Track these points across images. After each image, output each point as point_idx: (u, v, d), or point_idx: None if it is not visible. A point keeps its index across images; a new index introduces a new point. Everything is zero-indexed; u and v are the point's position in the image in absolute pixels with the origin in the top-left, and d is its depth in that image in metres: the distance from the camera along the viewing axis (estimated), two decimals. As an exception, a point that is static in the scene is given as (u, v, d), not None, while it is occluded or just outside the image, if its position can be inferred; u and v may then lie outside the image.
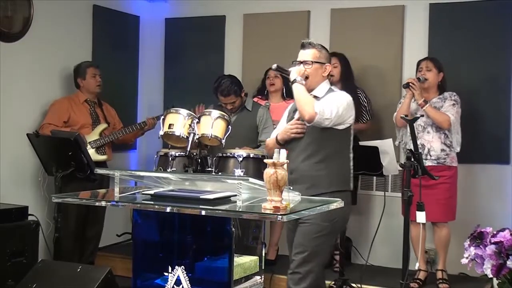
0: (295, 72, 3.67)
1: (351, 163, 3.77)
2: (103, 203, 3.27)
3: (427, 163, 4.69)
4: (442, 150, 4.75)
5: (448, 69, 4.92)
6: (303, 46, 3.77)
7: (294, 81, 3.64)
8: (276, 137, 3.81)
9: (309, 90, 3.68)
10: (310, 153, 3.64)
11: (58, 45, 5.40)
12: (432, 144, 4.76)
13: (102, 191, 3.84)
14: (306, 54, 3.73)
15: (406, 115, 4.19)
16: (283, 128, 3.81)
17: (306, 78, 3.68)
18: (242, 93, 5.04)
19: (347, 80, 5.22)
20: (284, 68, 3.77)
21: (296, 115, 3.76)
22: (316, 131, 3.64)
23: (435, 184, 4.46)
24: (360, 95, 5.24)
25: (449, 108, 4.75)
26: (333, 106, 3.59)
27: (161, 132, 5.11)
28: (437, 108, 4.77)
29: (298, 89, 3.63)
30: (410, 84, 4.75)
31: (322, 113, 3.53)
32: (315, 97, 3.68)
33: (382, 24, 5.51)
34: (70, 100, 5.19)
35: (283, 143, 3.73)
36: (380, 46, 5.51)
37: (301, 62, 3.72)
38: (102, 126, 5.22)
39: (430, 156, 4.74)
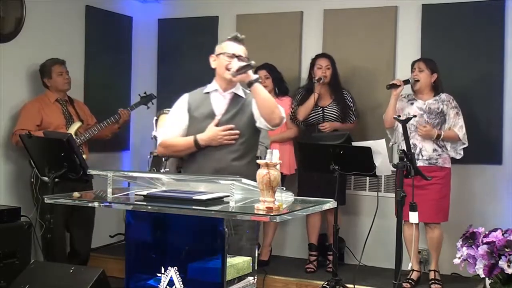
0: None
1: None
2: (96, 204, 3.26)
3: (419, 163, 4.70)
4: (434, 150, 4.77)
5: (441, 70, 4.93)
6: (239, 40, 3.56)
7: (257, 80, 3.42)
8: (197, 141, 3.53)
9: (233, 87, 3.57)
10: (242, 154, 3.50)
11: (50, 46, 5.37)
12: (424, 144, 4.78)
13: (95, 191, 3.83)
14: (241, 50, 3.56)
15: (399, 116, 4.20)
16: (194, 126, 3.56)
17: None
18: None
19: (335, 81, 5.27)
20: (241, 66, 3.43)
21: (218, 118, 3.54)
22: (250, 131, 3.54)
23: (426, 184, 4.47)
24: (346, 95, 5.28)
25: (457, 121, 4.79)
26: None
27: (154, 133, 5.11)
28: (432, 109, 4.80)
29: (264, 90, 3.46)
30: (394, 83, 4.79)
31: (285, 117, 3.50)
32: (240, 96, 3.58)
33: (375, 25, 5.52)
34: (40, 102, 5.02)
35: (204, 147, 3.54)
36: (372, 47, 5.52)
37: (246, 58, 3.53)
38: (77, 124, 5.08)
39: (422, 156, 4.76)
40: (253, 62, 3.42)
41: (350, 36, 5.60)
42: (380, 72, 5.49)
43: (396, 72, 5.45)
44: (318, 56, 5.30)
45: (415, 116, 4.69)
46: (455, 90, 4.94)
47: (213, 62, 3.64)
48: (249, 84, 3.42)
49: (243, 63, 3.45)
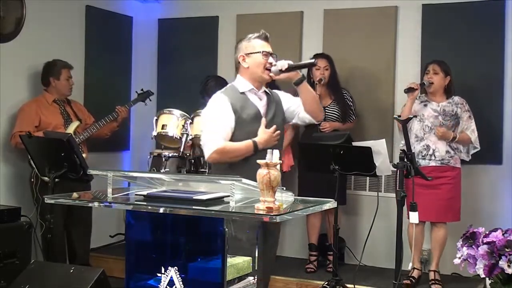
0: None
1: None
2: (96, 204, 3.26)
3: (431, 163, 4.74)
4: (447, 152, 4.79)
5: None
6: (267, 38, 3.49)
7: (304, 77, 3.43)
8: (257, 145, 3.40)
9: (263, 85, 3.53)
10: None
11: (50, 46, 5.38)
12: (437, 146, 4.78)
13: (93, 192, 3.83)
14: (270, 47, 3.50)
15: (399, 116, 4.21)
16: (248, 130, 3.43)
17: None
18: None
19: (334, 81, 5.27)
20: (297, 64, 3.48)
21: (264, 119, 3.46)
22: (282, 129, 3.58)
23: (438, 184, 4.49)
24: (346, 94, 5.30)
25: (470, 124, 4.83)
26: None
27: (154, 133, 5.12)
28: (447, 111, 4.82)
29: (310, 87, 3.53)
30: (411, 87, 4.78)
31: None
32: (267, 93, 3.56)
33: (375, 25, 5.53)
34: (38, 102, 5.00)
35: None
36: (373, 47, 5.52)
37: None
38: (75, 124, 5.05)
39: (435, 157, 4.77)
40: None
41: (350, 36, 5.60)
42: (380, 72, 5.49)
43: (396, 72, 5.45)
44: (316, 56, 5.28)
45: (415, 116, 4.70)
46: (455, 91, 4.93)
47: (243, 61, 3.49)
48: (298, 82, 3.42)
49: (290, 61, 3.41)
